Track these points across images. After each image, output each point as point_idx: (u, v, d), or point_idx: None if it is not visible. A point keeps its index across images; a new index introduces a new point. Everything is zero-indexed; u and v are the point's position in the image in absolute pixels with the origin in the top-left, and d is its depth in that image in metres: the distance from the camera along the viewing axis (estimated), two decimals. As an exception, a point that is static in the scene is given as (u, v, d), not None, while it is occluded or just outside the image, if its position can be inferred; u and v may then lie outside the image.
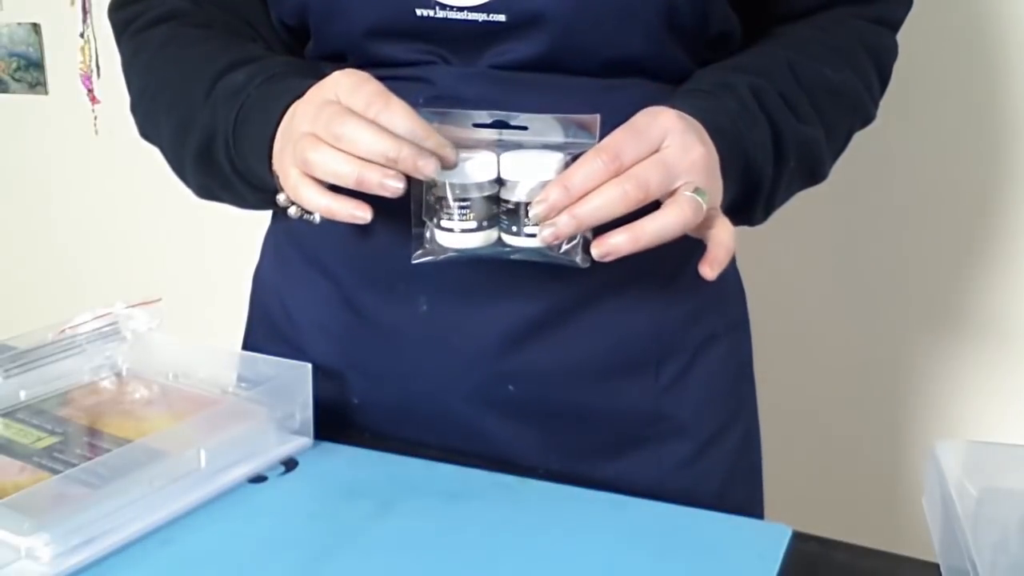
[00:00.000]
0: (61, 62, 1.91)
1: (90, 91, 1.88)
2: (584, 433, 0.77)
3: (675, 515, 0.64)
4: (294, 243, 0.82)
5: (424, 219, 0.66)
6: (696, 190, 0.63)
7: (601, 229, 0.62)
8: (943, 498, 0.57)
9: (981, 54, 1.23)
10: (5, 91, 1.98)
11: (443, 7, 0.69)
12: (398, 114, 0.62)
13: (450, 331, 0.75)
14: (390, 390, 0.78)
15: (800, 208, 0.87)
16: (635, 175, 0.61)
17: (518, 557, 0.60)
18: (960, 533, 0.53)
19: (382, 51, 0.72)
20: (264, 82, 0.70)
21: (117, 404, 0.75)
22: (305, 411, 0.73)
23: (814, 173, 0.78)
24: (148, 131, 0.80)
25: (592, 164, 0.61)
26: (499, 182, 0.65)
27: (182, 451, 0.66)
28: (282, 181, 0.67)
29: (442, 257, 0.66)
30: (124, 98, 0.81)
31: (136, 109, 0.80)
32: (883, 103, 0.84)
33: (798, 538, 0.62)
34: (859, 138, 0.82)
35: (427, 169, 0.61)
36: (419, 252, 0.67)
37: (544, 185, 0.62)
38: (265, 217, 0.87)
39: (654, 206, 0.63)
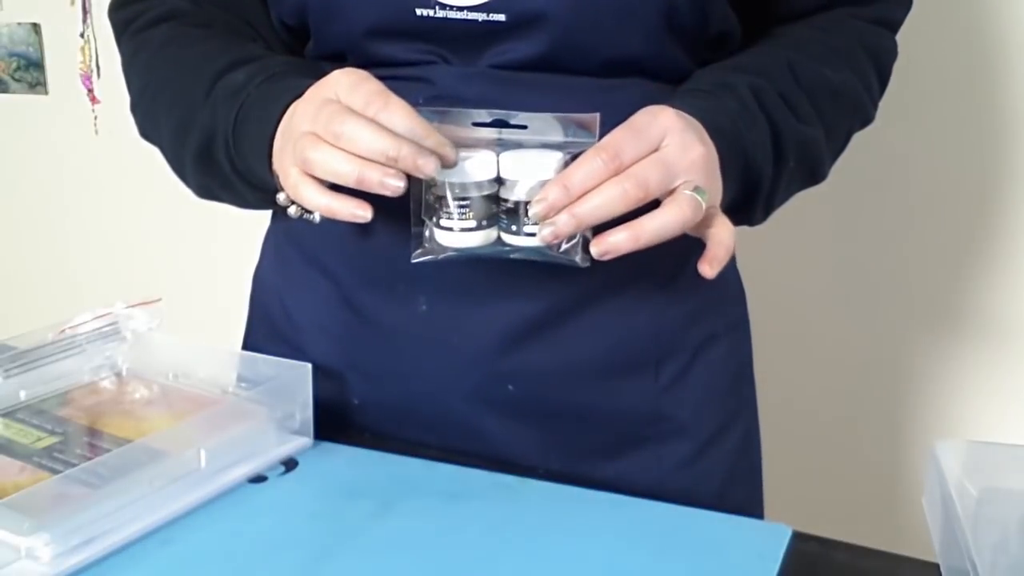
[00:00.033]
0: (61, 62, 1.91)
1: (90, 91, 1.88)
2: (584, 433, 0.77)
3: (675, 515, 0.64)
4: (294, 243, 0.82)
5: (423, 218, 0.66)
6: (696, 189, 0.63)
7: (601, 228, 0.62)
8: (943, 498, 0.57)
9: (981, 54, 1.23)
10: (5, 91, 1.98)
11: (443, 7, 0.69)
12: (398, 113, 0.62)
13: (450, 331, 0.75)
14: (390, 390, 0.78)
15: (800, 208, 0.87)
16: (635, 174, 0.61)
17: (518, 557, 0.60)
18: (960, 533, 0.53)
19: (382, 51, 0.72)
20: (264, 81, 0.70)
21: (117, 404, 0.75)
22: (305, 411, 0.73)
23: (814, 173, 0.78)
24: (148, 131, 0.80)
25: (592, 163, 0.61)
26: (499, 181, 0.65)
27: (182, 451, 0.66)
28: (282, 180, 0.67)
29: (442, 256, 0.66)
30: (124, 98, 0.81)
31: (136, 109, 0.80)
32: (883, 103, 0.84)
33: (798, 538, 0.62)
34: (859, 138, 0.82)
35: (427, 168, 0.61)
36: (418, 251, 0.67)
37: (544, 184, 0.62)
38: (265, 217, 0.87)
39: (654, 205, 0.63)
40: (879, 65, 0.81)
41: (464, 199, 0.64)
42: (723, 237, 0.65)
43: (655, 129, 0.63)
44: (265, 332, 0.86)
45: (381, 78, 0.65)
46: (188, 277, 1.86)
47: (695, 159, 0.64)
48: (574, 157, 0.63)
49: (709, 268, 0.65)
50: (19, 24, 1.93)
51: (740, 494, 0.84)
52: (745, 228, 0.75)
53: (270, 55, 0.75)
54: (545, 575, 0.58)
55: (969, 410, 1.34)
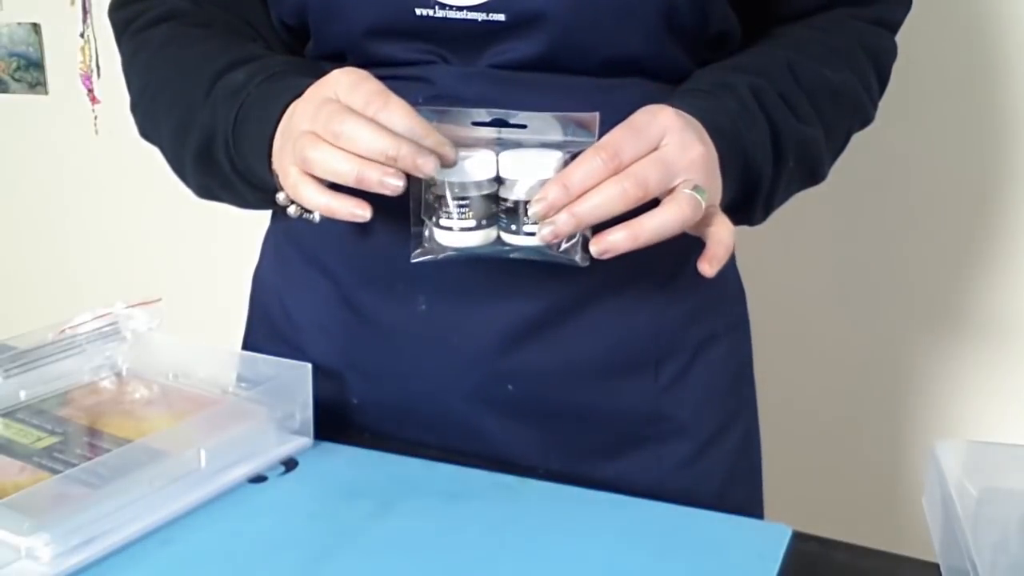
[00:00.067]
0: (61, 62, 1.91)
1: (90, 91, 1.88)
2: (584, 433, 0.77)
3: (675, 515, 0.64)
4: (293, 243, 0.82)
5: (423, 218, 0.66)
6: (695, 188, 0.63)
7: (600, 227, 0.62)
8: (943, 498, 0.57)
9: (981, 54, 1.23)
10: (5, 91, 1.98)
11: (442, 6, 0.69)
12: (397, 112, 0.62)
13: (449, 330, 0.75)
14: (389, 390, 0.78)
15: (800, 208, 0.87)
16: (634, 173, 0.61)
17: (518, 557, 0.60)
18: (960, 533, 0.53)
19: (382, 50, 0.72)
20: (264, 81, 0.70)
21: (117, 404, 0.75)
22: (305, 411, 0.73)
23: (813, 173, 0.78)
24: (148, 131, 0.80)
25: (591, 162, 0.61)
26: (498, 180, 0.65)
27: (182, 451, 0.66)
28: (282, 180, 0.67)
29: (441, 256, 0.66)
30: (124, 98, 0.81)
31: (136, 109, 0.80)
32: (883, 103, 0.84)
33: (798, 538, 0.62)
34: (859, 138, 0.82)
35: (426, 167, 0.61)
36: (418, 251, 0.67)
37: (543, 184, 0.62)
38: (265, 217, 0.87)
39: (653, 204, 0.63)
40: (879, 65, 0.81)
41: (463, 199, 0.64)
42: (722, 236, 0.65)
43: (654, 128, 0.63)
44: (265, 332, 0.86)
45: (381, 78, 0.65)
46: (188, 277, 1.86)
47: (694, 158, 0.64)
48: (573, 156, 0.63)
49: (708, 267, 0.65)
50: (19, 24, 1.93)
51: (740, 494, 0.84)
52: (745, 228, 0.75)
53: (270, 55, 0.75)
54: (545, 575, 0.58)
55: (969, 410, 1.34)
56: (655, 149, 0.63)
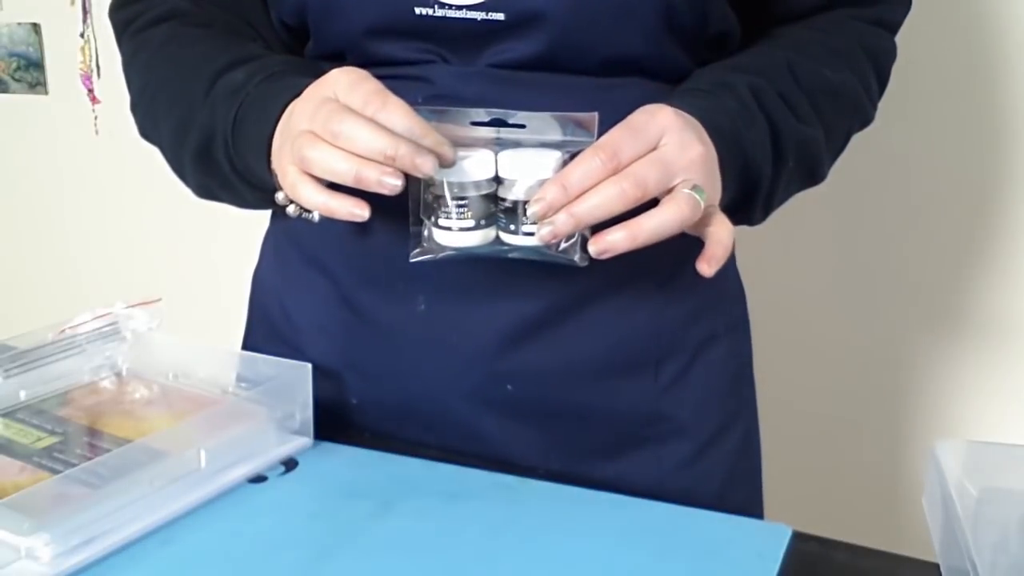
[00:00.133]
0: (61, 62, 1.91)
1: (90, 91, 1.88)
2: (584, 433, 0.77)
3: (675, 515, 0.64)
4: (293, 243, 0.82)
5: (422, 217, 0.66)
6: (694, 188, 0.63)
7: (599, 227, 0.62)
8: (943, 498, 0.57)
9: (981, 54, 1.23)
10: (5, 91, 1.99)
11: (442, 6, 0.69)
12: (396, 112, 0.62)
13: (448, 330, 0.75)
14: (389, 390, 0.78)
15: (800, 208, 0.87)
16: (633, 173, 0.61)
17: (518, 557, 0.60)
18: (960, 533, 0.53)
19: (381, 50, 0.72)
20: (263, 81, 0.70)
21: (117, 404, 0.75)
22: (305, 411, 0.73)
23: (813, 173, 0.78)
24: (148, 131, 0.80)
25: (590, 162, 0.61)
26: (497, 180, 0.65)
27: (182, 451, 0.66)
28: (280, 179, 0.67)
29: (440, 256, 0.66)
30: (124, 98, 0.81)
31: (136, 109, 0.80)
32: (883, 103, 0.84)
33: (798, 538, 0.62)
34: (859, 138, 0.82)
35: (425, 167, 0.61)
36: (417, 251, 0.67)
37: (542, 183, 0.62)
38: (265, 217, 0.87)
39: (652, 204, 0.63)
40: (878, 66, 0.81)
41: (462, 198, 0.64)
42: (721, 236, 0.65)
43: (653, 128, 0.63)
44: (264, 333, 0.86)
45: (380, 77, 0.65)
46: (188, 277, 1.86)
47: (693, 158, 0.64)
48: (572, 156, 0.63)
49: (707, 267, 0.65)
50: (19, 24, 1.93)
51: (740, 495, 0.84)
52: (745, 228, 0.75)
53: (270, 54, 0.75)
54: (545, 575, 0.58)
55: (969, 410, 1.34)
56: (654, 149, 0.63)
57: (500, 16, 0.69)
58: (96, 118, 1.90)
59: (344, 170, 0.61)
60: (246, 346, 0.88)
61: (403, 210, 0.66)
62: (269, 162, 0.68)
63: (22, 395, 0.75)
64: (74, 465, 0.64)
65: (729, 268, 0.84)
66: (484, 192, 0.65)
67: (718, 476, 0.81)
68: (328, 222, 0.67)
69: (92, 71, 1.87)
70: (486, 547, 0.61)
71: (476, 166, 0.64)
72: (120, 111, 0.85)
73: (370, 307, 0.77)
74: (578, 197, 0.61)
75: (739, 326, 0.86)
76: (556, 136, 0.65)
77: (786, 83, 0.74)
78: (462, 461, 0.71)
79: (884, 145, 1.25)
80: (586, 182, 0.61)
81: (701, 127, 0.66)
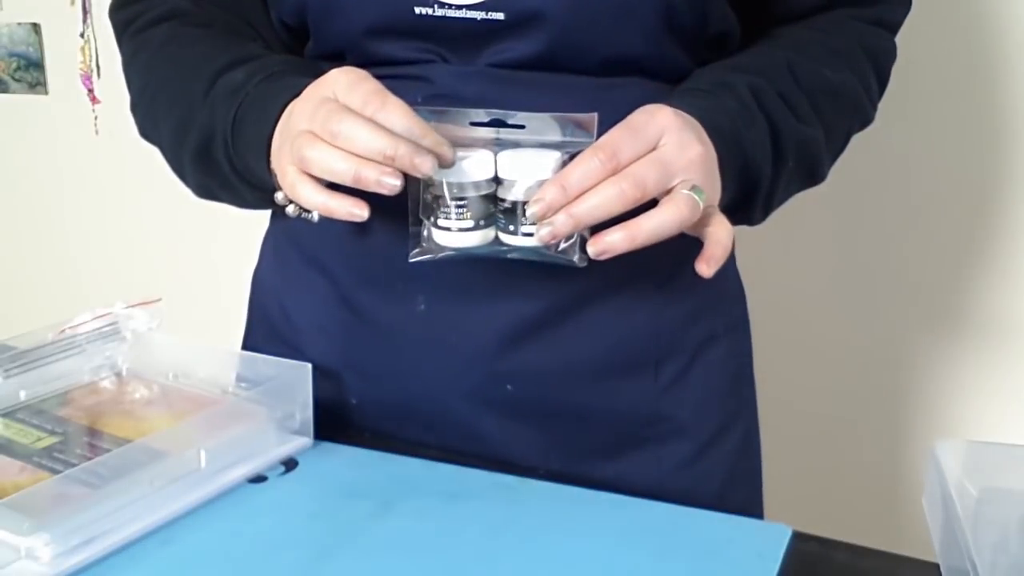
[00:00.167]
0: (61, 62, 1.91)
1: (90, 91, 1.89)
2: (583, 433, 0.77)
3: (675, 515, 0.64)
4: (292, 243, 0.82)
5: (421, 218, 0.66)
6: (693, 188, 0.63)
7: (598, 228, 0.62)
8: (943, 498, 0.57)
9: (981, 54, 1.23)
10: (5, 91, 1.99)
11: (442, 5, 0.69)
12: (395, 112, 0.62)
13: (448, 330, 0.75)
14: (388, 390, 0.78)
15: (800, 208, 0.87)
16: (632, 173, 0.61)
17: (518, 557, 0.60)
18: (960, 533, 0.53)
19: (381, 50, 0.72)
20: (263, 81, 0.70)
21: (117, 404, 0.75)
22: (305, 411, 0.73)
23: (813, 173, 0.78)
24: (148, 130, 0.80)
25: (589, 163, 0.61)
26: (496, 181, 0.65)
27: (182, 451, 0.66)
28: (280, 179, 0.67)
29: (439, 256, 0.66)
30: (124, 98, 0.81)
31: (136, 109, 0.80)
32: (883, 103, 0.84)
33: (798, 538, 0.62)
34: (859, 138, 0.82)
35: (424, 167, 0.61)
36: (416, 251, 0.67)
37: (541, 184, 0.62)
38: (265, 217, 0.87)
39: (651, 204, 0.63)
40: (878, 66, 0.81)
41: (462, 199, 0.64)
42: (721, 236, 0.65)
43: (653, 128, 0.63)
44: (264, 333, 0.86)
45: (380, 77, 0.65)
46: (188, 277, 1.86)
47: (693, 158, 0.64)
48: (572, 157, 0.63)
49: (706, 267, 0.65)
50: (19, 24, 1.93)
51: (740, 495, 0.84)
52: (745, 228, 0.75)
53: (269, 54, 0.76)
54: (545, 575, 0.58)
55: (969, 410, 1.34)
56: (653, 149, 0.63)
57: (500, 16, 0.69)
58: (96, 118, 1.90)
59: (343, 170, 0.62)
60: (246, 346, 0.88)
61: (402, 210, 0.66)
62: (269, 162, 0.68)
63: (22, 395, 0.75)
64: (74, 465, 0.64)
65: (729, 268, 0.84)
66: (483, 192, 0.65)
67: (718, 476, 0.81)
68: (327, 222, 0.67)
69: (92, 71, 1.87)
70: (486, 547, 0.61)
71: (475, 166, 0.64)
72: (120, 111, 0.85)
73: (370, 307, 0.77)
74: (577, 198, 0.61)
75: (739, 326, 0.86)
76: (555, 136, 0.65)
77: (786, 83, 0.74)
78: (462, 461, 0.71)
79: (884, 145, 1.25)
80: (585, 183, 0.61)
81: (701, 127, 0.66)
